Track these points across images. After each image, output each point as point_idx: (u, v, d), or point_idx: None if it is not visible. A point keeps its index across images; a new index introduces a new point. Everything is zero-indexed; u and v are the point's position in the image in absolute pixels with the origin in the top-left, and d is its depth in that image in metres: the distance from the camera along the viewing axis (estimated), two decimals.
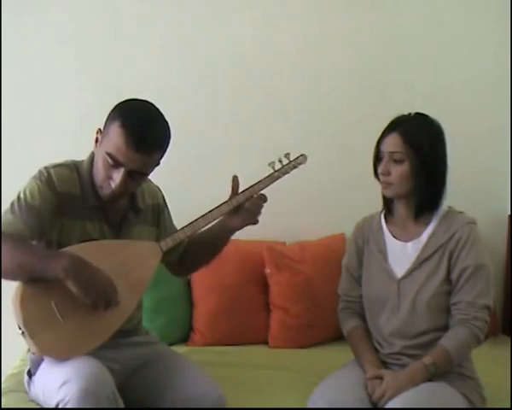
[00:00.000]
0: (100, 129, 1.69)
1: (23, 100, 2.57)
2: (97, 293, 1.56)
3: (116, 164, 1.62)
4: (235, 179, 1.80)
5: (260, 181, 1.82)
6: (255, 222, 1.82)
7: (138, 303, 1.82)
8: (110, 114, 1.67)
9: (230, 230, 1.84)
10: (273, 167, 1.84)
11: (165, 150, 1.70)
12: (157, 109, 1.69)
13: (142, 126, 1.61)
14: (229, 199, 1.80)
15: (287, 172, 1.86)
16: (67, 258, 1.54)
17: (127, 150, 1.60)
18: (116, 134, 1.60)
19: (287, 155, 1.85)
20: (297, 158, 1.88)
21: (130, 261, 1.67)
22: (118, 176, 1.63)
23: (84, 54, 2.59)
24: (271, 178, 1.84)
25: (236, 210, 1.80)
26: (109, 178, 1.65)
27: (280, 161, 1.84)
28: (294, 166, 1.87)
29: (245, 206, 1.80)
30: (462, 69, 2.79)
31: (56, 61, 2.58)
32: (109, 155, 1.62)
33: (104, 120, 1.68)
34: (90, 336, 1.61)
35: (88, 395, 1.48)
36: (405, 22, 2.76)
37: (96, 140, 1.69)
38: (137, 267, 1.69)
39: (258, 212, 1.81)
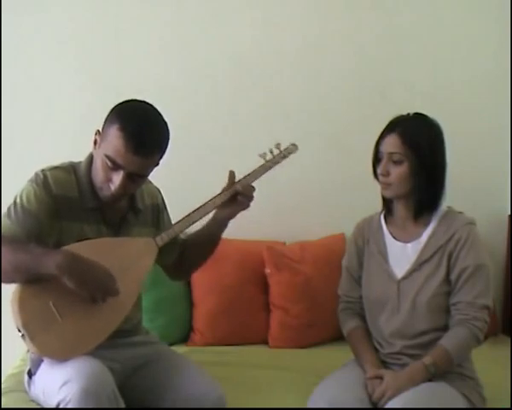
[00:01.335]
0: (98, 130, 1.68)
1: (23, 100, 2.57)
2: (93, 284, 1.56)
3: (115, 167, 1.62)
4: (231, 174, 1.80)
5: (252, 172, 1.83)
6: (246, 207, 1.81)
7: (137, 302, 1.82)
8: (108, 115, 1.66)
9: (223, 220, 1.83)
10: (264, 158, 1.85)
11: (165, 151, 1.70)
12: (155, 110, 1.68)
13: (140, 129, 1.60)
14: (222, 191, 1.80)
15: (278, 162, 1.87)
16: (60, 254, 1.54)
17: (126, 153, 1.60)
18: (115, 137, 1.60)
19: (277, 146, 1.86)
20: (287, 148, 1.89)
21: (126, 258, 1.67)
22: (117, 178, 1.63)
23: (84, 54, 2.59)
24: (263, 168, 1.85)
25: (228, 202, 1.80)
26: (109, 180, 1.65)
27: (271, 152, 1.85)
28: (285, 156, 1.89)
29: (238, 195, 1.80)
30: (462, 69, 2.79)
31: (56, 61, 2.58)
32: (108, 157, 1.62)
33: (104, 120, 1.68)
34: (88, 336, 1.61)
35: (89, 394, 1.48)
36: (405, 22, 2.76)
37: (95, 142, 1.69)
38: (134, 264, 1.69)
39: (250, 197, 1.81)
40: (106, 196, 1.68)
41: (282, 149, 1.88)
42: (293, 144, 1.91)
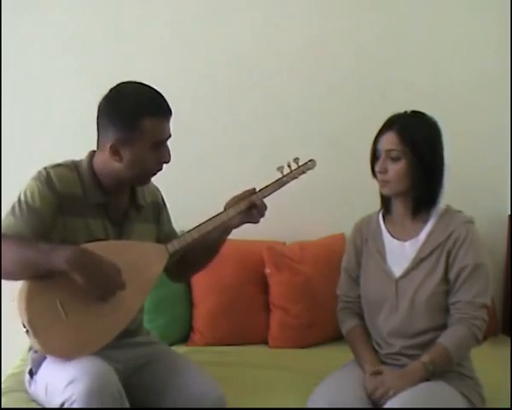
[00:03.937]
0: (111, 146, 1.65)
1: (23, 100, 2.57)
2: (102, 279, 1.55)
3: (162, 143, 1.69)
4: (253, 190, 1.80)
5: (268, 186, 1.81)
6: (256, 222, 1.81)
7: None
8: (122, 122, 1.65)
9: (228, 228, 1.83)
10: (281, 172, 1.82)
11: None
12: (135, 81, 1.80)
13: (155, 95, 1.70)
14: (238, 202, 1.78)
15: (295, 178, 1.85)
16: (70, 249, 1.54)
17: (163, 123, 1.69)
18: (149, 122, 1.65)
19: (296, 160, 1.83)
20: (306, 163, 1.86)
21: (136, 262, 1.67)
22: (166, 150, 1.71)
23: (84, 54, 2.60)
24: (279, 183, 1.82)
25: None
26: (159, 160, 1.70)
27: (288, 166, 1.83)
28: (303, 172, 1.86)
29: (252, 208, 1.79)
30: (462, 69, 2.79)
31: (56, 61, 2.58)
32: (156, 143, 1.67)
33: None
34: (94, 337, 1.61)
35: (94, 394, 1.48)
36: (405, 22, 2.77)
37: (116, 153, 1.66)
38: (143, 268, 1.69)
39: (262, 214, 1.80)
40: (153, 174, 1.74)
41: (300, 163, 1.84)
42: (312, 160, 1.87)
